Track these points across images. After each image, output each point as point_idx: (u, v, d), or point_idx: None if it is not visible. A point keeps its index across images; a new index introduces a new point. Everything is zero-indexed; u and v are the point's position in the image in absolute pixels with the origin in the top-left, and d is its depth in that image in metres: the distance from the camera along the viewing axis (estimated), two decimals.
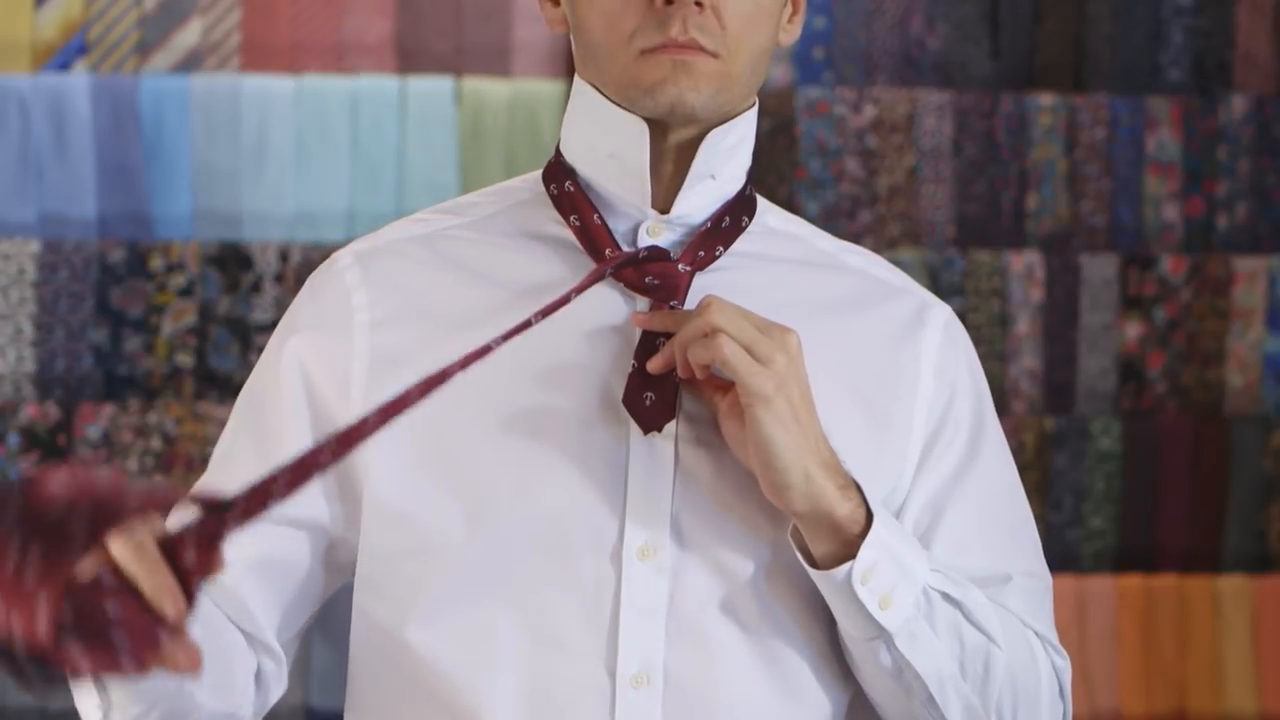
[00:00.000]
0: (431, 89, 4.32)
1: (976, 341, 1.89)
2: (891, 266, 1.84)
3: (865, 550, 1.63)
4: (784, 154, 4.38)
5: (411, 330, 1.72)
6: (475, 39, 4.39)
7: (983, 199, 4.41)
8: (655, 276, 1.71)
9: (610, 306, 1.72)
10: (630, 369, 1.69)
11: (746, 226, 1.77)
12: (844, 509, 1.64)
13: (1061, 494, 4.35)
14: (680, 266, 1.71)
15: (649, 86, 1.68)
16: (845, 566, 1.63)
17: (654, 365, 1.68)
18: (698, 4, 1.66)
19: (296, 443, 1.71)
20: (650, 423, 1.67)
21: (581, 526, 1.67)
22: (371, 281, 1.75)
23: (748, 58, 1.70)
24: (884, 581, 1.64)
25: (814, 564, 1.66)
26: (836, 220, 4.34)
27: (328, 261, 1.78)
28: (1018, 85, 4.45)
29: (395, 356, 1.72)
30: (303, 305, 1.78)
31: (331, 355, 1.73)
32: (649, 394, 1.68)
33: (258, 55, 4.33)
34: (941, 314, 1.80)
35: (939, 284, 4.28)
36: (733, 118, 1.73)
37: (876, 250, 3.87)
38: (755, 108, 1.76)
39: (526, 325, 1.64)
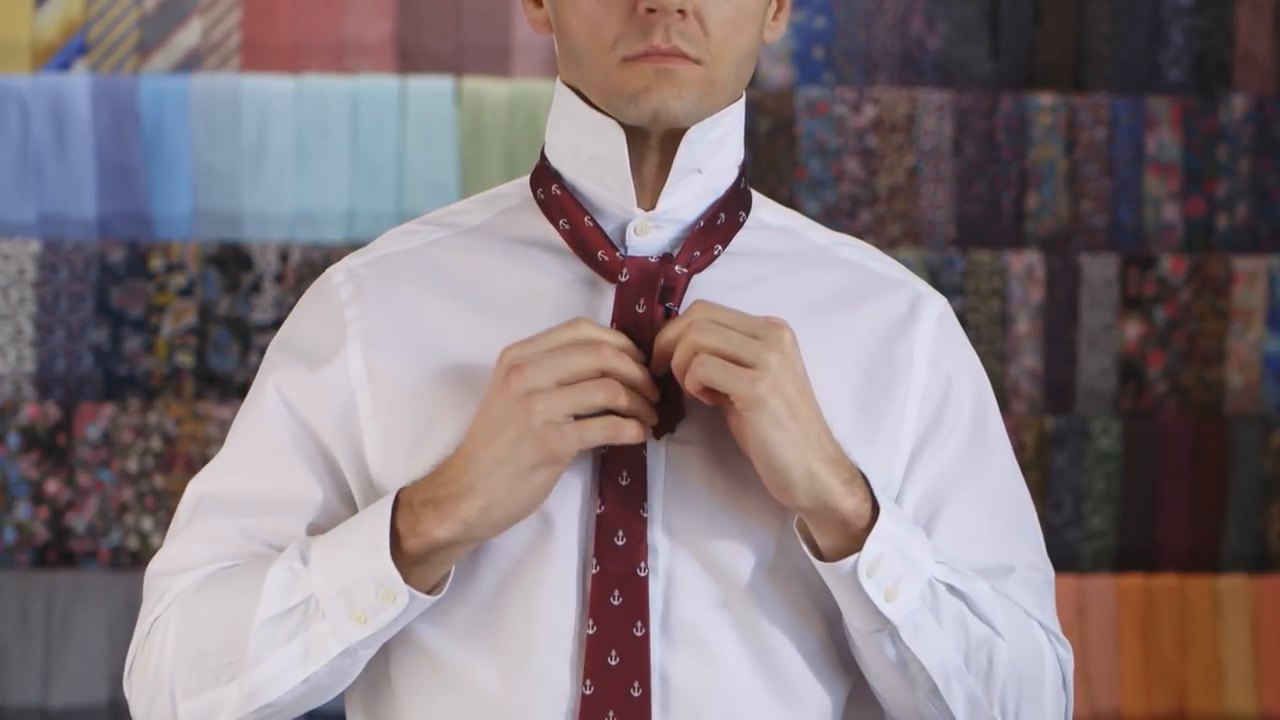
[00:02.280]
0: (431, 89, 4.32)
1: (976, 341, 1.88)
2: (886, 258, 1.83)
3: (871, 543, 1.63)
4: (784, 154, 4.38)
5: (404, 353, 1.72)
6: (475, 39, 4.39)
7: (983, 199, 4.41)
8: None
9: (597, 306, 1.72)
10: None
11: (744, 222, 1.76)
12: (849, 503, 1.63)
13: (1061, 494, 4.35)
14: (676, 268, 1.70)
15: (632, 95, 1.67)
16: (851, 559, 1.63)
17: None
18: (680, 11, 1.65)
19: (295, 466, 1.72)
20: (662, 427, 1.67)
21: (571, 529, 1.67)
22: (365, 299, 1.75)
23: (731, 63, 1.69)
24: (889, 574, 1.64)
25: (820, 556, 1.65)
26: (837, 220, 4.34)
27: (322, 278, 1.78)
28: (1018, 85, 4.45)
29: (388, 380, 1.71)
30: (298, 326, 1.78)
31: (325, 391, 1.73)
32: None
33: (258, 55, 4.33)
34: (936, 306, 1.79)
35: (939, 284, 4.28)
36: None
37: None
38: (742, 101, 1.75)
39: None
